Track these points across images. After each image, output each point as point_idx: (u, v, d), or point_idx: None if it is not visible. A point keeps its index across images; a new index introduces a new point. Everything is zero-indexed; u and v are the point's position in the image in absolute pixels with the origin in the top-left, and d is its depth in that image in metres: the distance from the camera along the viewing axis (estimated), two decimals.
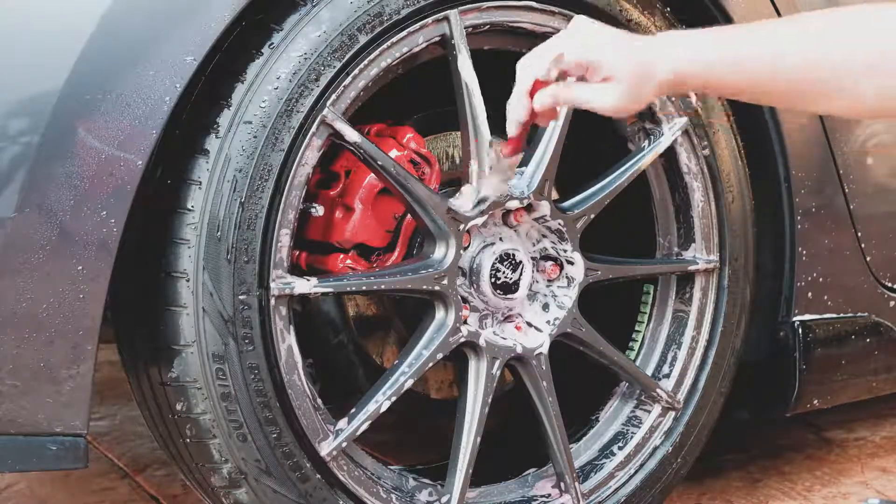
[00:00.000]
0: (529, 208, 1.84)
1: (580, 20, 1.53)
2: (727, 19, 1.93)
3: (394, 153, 1.80)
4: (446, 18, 1.73)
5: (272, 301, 1.65)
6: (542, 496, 1.91)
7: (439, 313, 1.78)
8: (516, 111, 1.53)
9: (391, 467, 1.84)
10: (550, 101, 1.50)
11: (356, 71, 1.67)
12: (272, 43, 1.63)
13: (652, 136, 1.94)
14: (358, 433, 1.73)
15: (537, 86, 1.50)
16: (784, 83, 1.46)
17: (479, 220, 1.78)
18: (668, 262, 2.00)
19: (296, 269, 1.78)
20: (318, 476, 1.70)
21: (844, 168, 2.06)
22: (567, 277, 1.88)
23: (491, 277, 1.80)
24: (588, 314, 1.89)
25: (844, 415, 2.57)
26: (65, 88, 1.50)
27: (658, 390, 1.97)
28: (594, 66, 1.47)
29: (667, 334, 2.01)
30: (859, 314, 2.13)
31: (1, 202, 1.48)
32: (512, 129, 1.56)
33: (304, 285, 1.67)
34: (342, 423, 1.73)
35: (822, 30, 1.46)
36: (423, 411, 2.22)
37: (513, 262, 1.81)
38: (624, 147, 1.96)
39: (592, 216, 1.88)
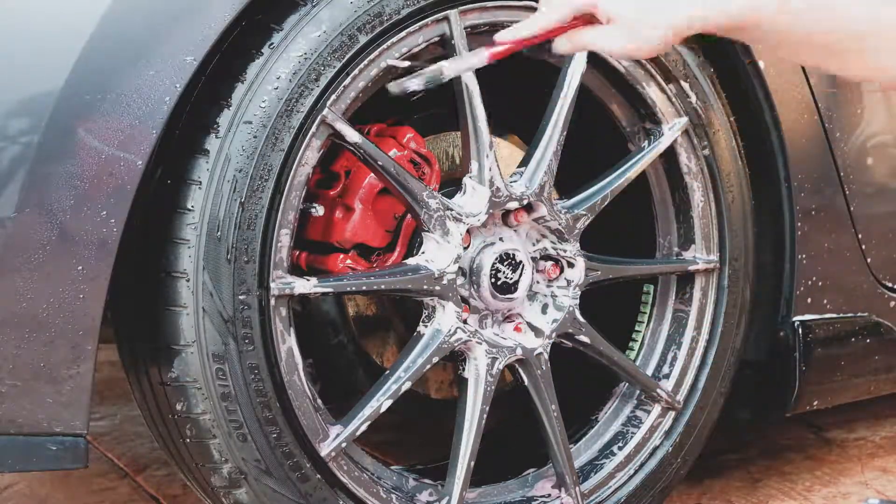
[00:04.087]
0: (529, 208, 1.84)
1: None
2: None
3: (394, 153, 1.80)
4: (446, 18, 1.73)
5: (272, 301, 1.65)
6: (542, 496, 1.91)
7: (439, 314, 1.78)
8: (524, 30, 1.55)
9: (391, 467, 1.84)
10: (569, 46, 1.54)
11: (356, 71, 1.67)
12: (272, 43, 1.63)
13: (652, 136, 1.94)
14: (358, 433, 1.73)
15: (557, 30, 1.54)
16: (802, 36, 1.44)
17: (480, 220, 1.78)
18: (668, 262, 2.00)
19: (296, 270, 1.78)
20: (318, 476, 1.70)
21: (844, 168, 2.06)
22: (567, 278, 1.88)
23: (491, 278, 1.80)
24: (588, 314, 1.89)
25: (844, 415, 2.58)
26: (65, 88, 1.50)
27: (658, 390, 1.97)
28: (598, 10, 1.48)
29: (667, 334, 2.01)
30: (859, 314, 2.13)
31: (1, 202, 1.48)
32: (508, 37, 1.57)
33: (304, 285, 1.67)
34: (342, 423, 1.73)
35: None
36: (424, 411, 2.22)
37: (513, 262, 1.81)
38: (624, 147, 1.96)
39: (592, 216, 1.88)
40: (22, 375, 1.52)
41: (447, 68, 1.61)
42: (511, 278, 1.82)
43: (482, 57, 1.60)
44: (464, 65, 1.63)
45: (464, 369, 1.81)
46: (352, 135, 1.68)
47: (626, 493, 1.96)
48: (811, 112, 2.03)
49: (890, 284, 2.15)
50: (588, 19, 1.51)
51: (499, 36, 1.58)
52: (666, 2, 1.46)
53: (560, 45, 1.54)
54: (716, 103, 1.96)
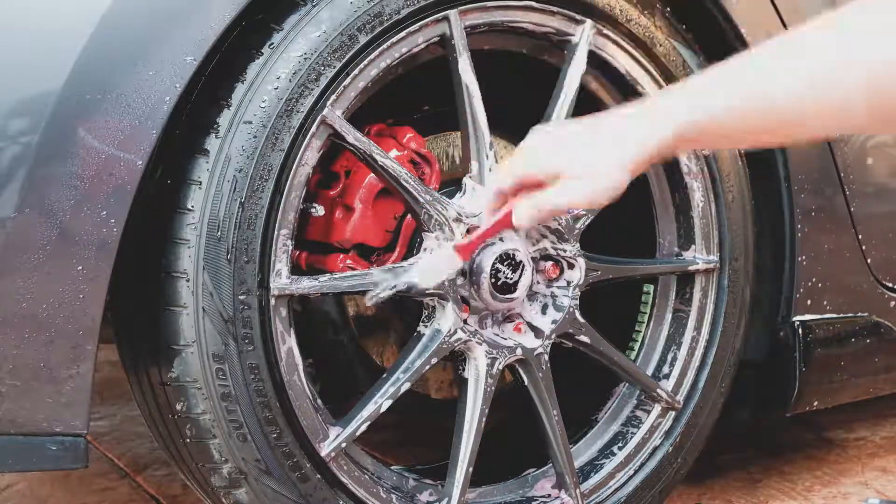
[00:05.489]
0: None
1: (534, 130, 1.52)
2: (727, 19, 1.93)
3: (394, 153, 1.80)
4: (446, 18, 1.73)
5: (272, 301, 1.65)
6: (542, 496, 1.91)
7: (439, 314, 1.78)
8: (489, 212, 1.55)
9: (391, 467, 1.83)
10: (534, 212, 1.49)
11: (356, 71, 1.67)
12: (272, 43, 1.63)
13: None
14: (358, 433, 1.73)
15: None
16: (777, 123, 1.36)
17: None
18: (668, 262, 2.00)
19: (296, 270, 1.78)
20: (319, 476, 1.70)
21: (844, 168, 2.06)
22: (567, 278, 1.88)
23: (491, 278, 1.80)
24: (588, 314, 1.89)
25: (844, 415, 2.58)
26: (65, 88, 1.50)
27: (658, 390, 1.97)
28: (551, 175, 1.45)
29: (667, 334, 2.01)
30: (859, 314, 2.13)
31: (1, 202, 1.48)
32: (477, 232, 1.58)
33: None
34: (341, 423, 1.73)
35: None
36: (424, 411, 2.22)
37: (513, 262, 1.81)
38: None
39: (592, 216, 1.88)
40: (22, 375, 1.52)
41: (421, 280, 1.66)
42: (511, 278, 1.81)
43: (454, 260, 1.63)
44: (438, 276, 1.66)
45: (464, 369, 1.81)
46: (352, 135, 1.68)
47: (626, 493, 1.96)
48: None
49: (890, 284, 2.15)
50: (537, 184, 1.48)
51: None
52: (612, 152, 1.42)
53: (523, 219, 1.50)
54: None
